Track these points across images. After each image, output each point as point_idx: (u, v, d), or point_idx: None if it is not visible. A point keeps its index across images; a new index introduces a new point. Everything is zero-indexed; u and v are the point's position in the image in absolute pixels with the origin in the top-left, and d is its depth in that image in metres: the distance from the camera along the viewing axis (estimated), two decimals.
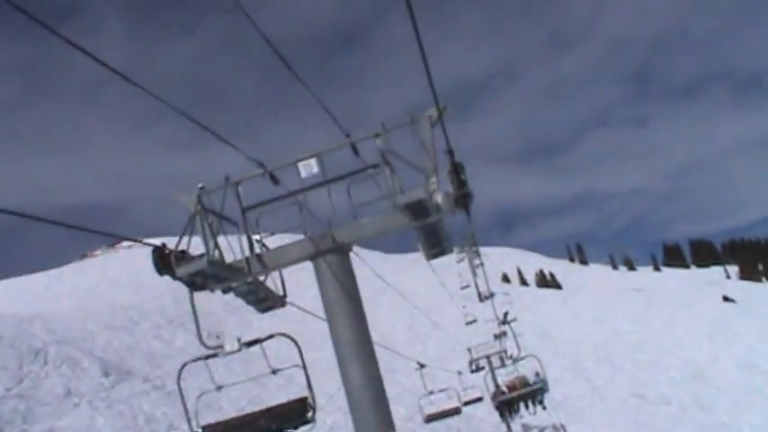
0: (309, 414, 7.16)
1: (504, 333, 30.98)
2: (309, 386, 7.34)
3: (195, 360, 7.34)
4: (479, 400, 26.18)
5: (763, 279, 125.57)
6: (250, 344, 7.35)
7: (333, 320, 6.97)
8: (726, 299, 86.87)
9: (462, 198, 6.28)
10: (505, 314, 29.52)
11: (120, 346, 41.81)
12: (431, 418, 22.58)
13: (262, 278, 7.24)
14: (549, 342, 56.79)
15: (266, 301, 7.96)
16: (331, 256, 6.61)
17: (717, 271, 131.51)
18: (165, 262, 6.05)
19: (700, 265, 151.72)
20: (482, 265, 29.58)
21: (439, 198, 6.19)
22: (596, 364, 49.96)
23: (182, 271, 6.03)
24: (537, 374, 24.09)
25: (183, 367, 7.27)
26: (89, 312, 47.06)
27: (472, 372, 30.44)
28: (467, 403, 25.18)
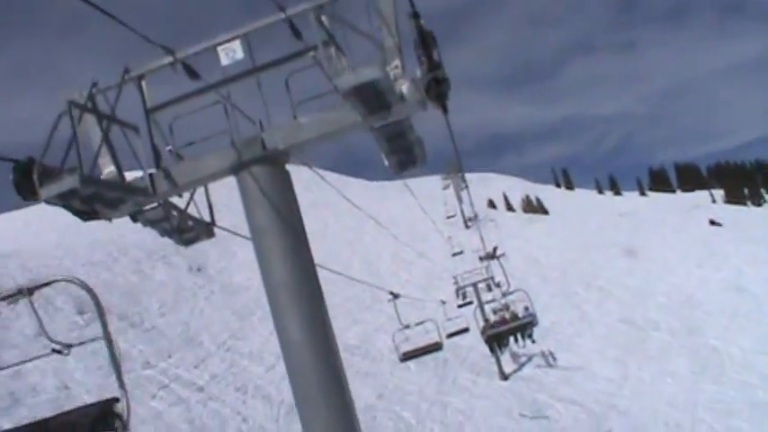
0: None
1: (493, 256, 30.21)
2: (121, 384, 4.89)
3: None
4: (466, 331, 26.86)
5: (749, 203, 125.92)
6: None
7: (263, 254, 5.46)
8: (712, 222, 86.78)
9: (435, 85, 4.76)
10: (494, 249, 28.92)
11: (98, 283, 40.37)
12: (407, 357, 21.33)
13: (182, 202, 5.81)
14: (536, 268, 56.09)
15: (187, 231, 6.30)
16: (260, 167, 5.19)
17: (702, 195, 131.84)
18: (29, 183, 4.56)
19: (685, 190, 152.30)
20: (467, 187, 28.61)
21: (404, 86, 4.86)
22: (584, 290, 49.31)
23: (46, 192, 4.59)
24: (526, 308, 24.90)
25: None
26: (67, 249, 45.64)
27: (459, 306, 30.03)
28: (452, 335, 26.25)
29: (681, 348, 37.63)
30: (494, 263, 34.81)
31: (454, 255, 38.96)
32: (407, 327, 19.42)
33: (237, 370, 31.54)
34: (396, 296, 19.08)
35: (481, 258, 32.68)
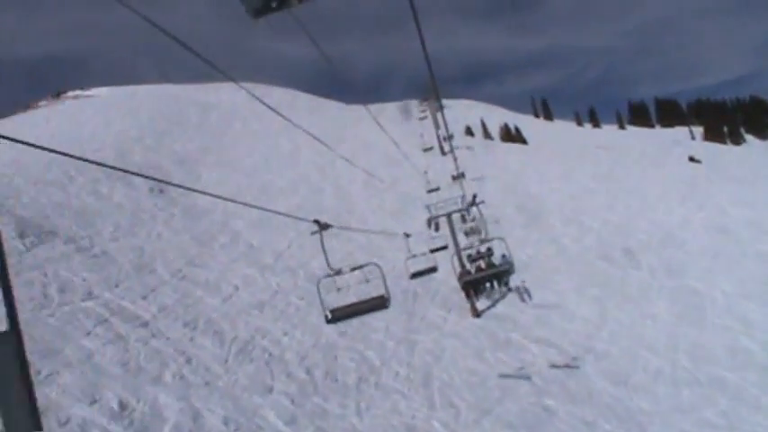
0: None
1: (472, 204, 29.19)
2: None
3: None
4: (433, 270, 26.06)
5: (728, 141, 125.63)
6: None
7: None
8: (692, 159, 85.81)
9: None
10: (474, 196, 27.56)
11: (48, 204, 37.81)
12: (336, 317, 18.73)
13: None
14: (512, 198, 54.18)
15: None
16: None
17: (682, 131, 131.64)
18: None
19: (665, 125, 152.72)
20: (442, 111, 26.84)
21: None
22: (563, 223, 47.47)
23: None
24: (503, 256, 23.98)
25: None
26: (20, 167, 42.71)
27: (432, 251, 28.99)
28: (418, 274, 25.39)
29: (661, 289, 36.03)
30: (466, 184, 33.01)
31: (429, 192, 36.70)
32: (338, 272, 13.11)
33: (190, 301, 29.14)
34: (323, 227, 12.36)
35: (454, 178, 31.20)
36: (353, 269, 13.41)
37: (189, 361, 23.54)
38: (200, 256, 35.52)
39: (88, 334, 23.79)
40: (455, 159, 26.44)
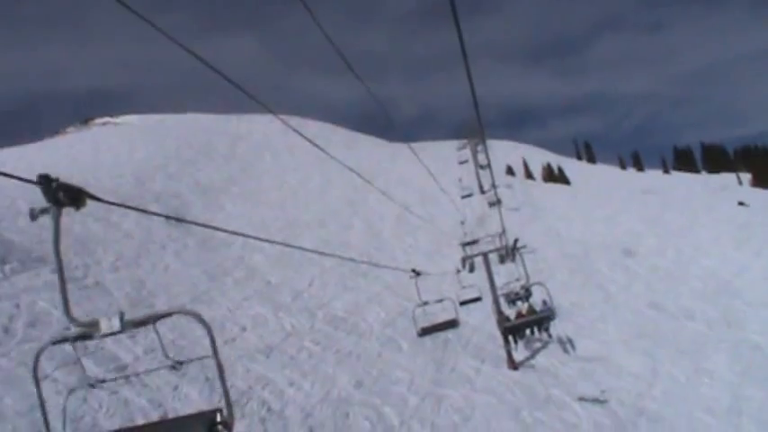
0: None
1: (514, 248, 27.45)
2: (225, 392, 5.30)
3: (55, 342, 5.09)
4: (478, 300, 25.33)
5: None
6: (138, 324, 4.96)
7: None
8: (741, 204, 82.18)
9: None
10: (515, 241, 25.84)
11: (46, 229, 35.44)
12: (425, 332, 21.33)
13: None
14: (556, 241, 50.78)
15: None
16: None
17: (729, 177, 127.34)
18: None
19: (711, 171, 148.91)
20: (489, 167, 24.83)
21: None
22: (609, 268, 43.93)
23: None
24: (544, 302, 24.41)
25: (38, 353, 5.06)
26: (27, 190, 40.56)
27: (462, 303, 26.45)
28: (463, 303, 24.97)
29: (719, 343, 32.36)
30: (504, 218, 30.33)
31: (463, 197, 34.51)
32: (426, 303, 19.68)
33: (185, 343, 25.96)
34: (417, 273, 19.19)
35: (491, 204, 29.30)
36: (437, 301, 20.04)
37: (164, 417, 20.24)
38: (209, 292, 32.73)
39: (44, 378, 20.66)
40: (494, 187, 23.35)
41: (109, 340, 24.62)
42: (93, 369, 22.25)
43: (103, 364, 23.09)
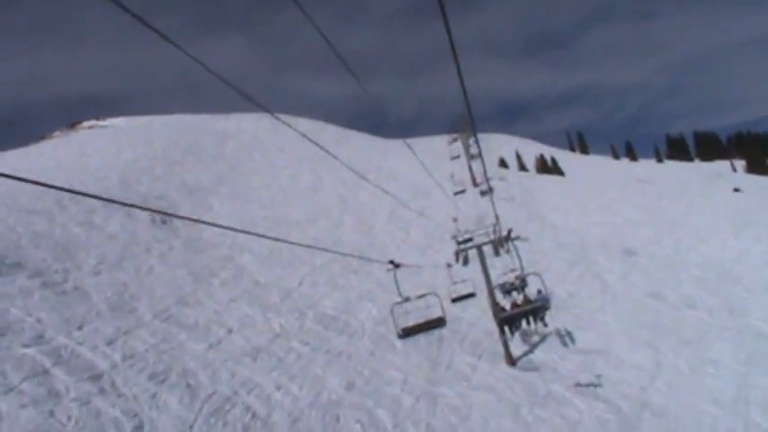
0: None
1: (507, 238, 26.79)
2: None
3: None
4: (471, 296, 24.71)
5: None
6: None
7: None
8: (737, 190, 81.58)
9: None
10: (509, 231, 25.00)
11: (24, 234, 34.30)
12: (407, 333, 19.20)
13: None
14: (550, 232, 49.75)
15: None
16: None
17: (722, 165, 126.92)
18: None
19: (704, 159, 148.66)
20: (480, 154, 23.53)
21: None
22: (607, 258, 42.91)
23: None
24: (539, 291, 23.98)
25: None
26: (9, 195, 39.52)
27: (454, 300, 25.63)
28: (455, 300, 25.05)
29: (722, 331, 31.35)
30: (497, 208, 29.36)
31: (456, 194, 33.50)
32: (407, 299, 17.03)
33: (168, 347, 24.82)
34: (396, 266, 15.87)
35: (482, 193, 28.39)
36: (419, 297, 16.91)
37: (138, 429, 18.88)
38: (195, 294, 31.59)
39: (9, 391, 19.43)
40: (485, 174, 22.32)
41: (85, 346, 23.55)
42: (63, 379, 21.10)
43: (76, 373, 21.84)
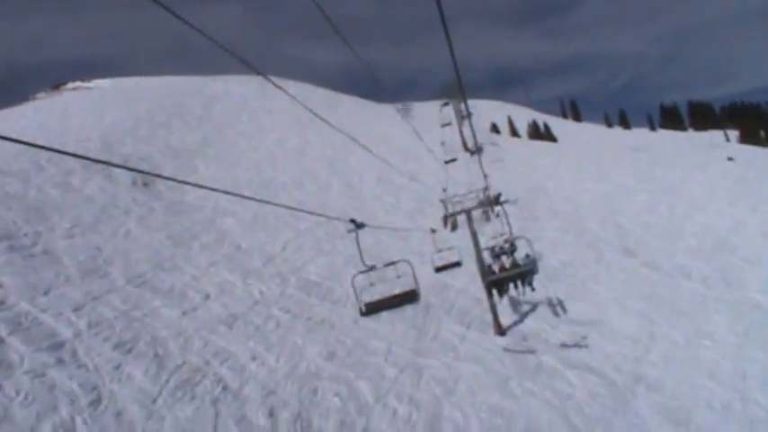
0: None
1: (496, 202, 25.98)
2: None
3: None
4: (457, 265, 24.34)
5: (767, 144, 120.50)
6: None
7: None
8: (730, 159, 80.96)
9: None
10: (498, 195, 24.07)
11: None
12: (370, 309, 16.36)
13: None
14: (543, 198, 48.65)
15: None
16: None
17: (716, 134, 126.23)
18: None
19: (698, 129, 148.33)
20: (470, 115, 22.57)
21: None
22: (600, 226, 41.83)
23: None
24: (527, 255, 23.40)
25: None
26: None
27: (437, 270, 24.79)
28: (440, 269, 24.52)
29: (718, 303, 30.36)
30: (489, 173, 28.32)
31: (447, 162, 32.39)
32: (372, 268, 13.41)
33: (139, 314, 23.45)
34: (359, 226, 12.24)
35: (471, 153, 27.36)
36: (386, 265, 13.55)
37: (95, 402, 17.49)
38: (173, 259, 30.28)
39: None
40: (473, 134, 21.15)
41: (49, 313, 22.27)
42: (18, 348, 19.76)
43: (34, 342, 20.46)
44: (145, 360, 20.26)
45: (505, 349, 23.86)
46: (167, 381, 19.14)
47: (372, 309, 15.24)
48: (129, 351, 20.58)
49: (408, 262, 14.18)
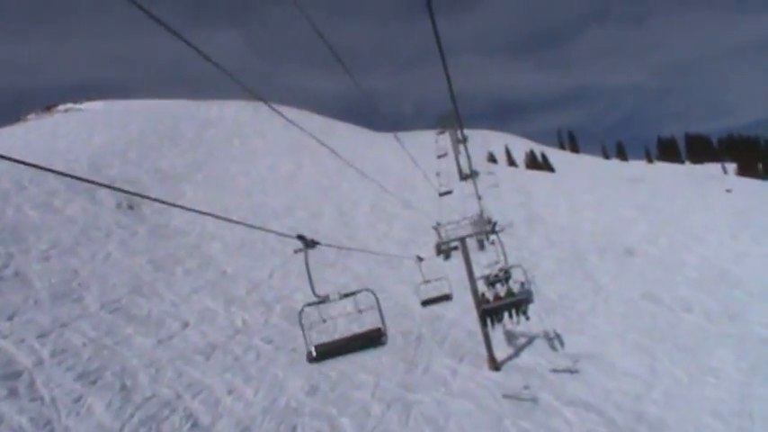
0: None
1: (492, 231, 25.29)
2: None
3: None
4: (446, 299, 22.70)
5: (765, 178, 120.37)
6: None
7: None
8: (729, 191, 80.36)
9: None
10: (494, 224, 23.29)
11: None
12: (321, 355, 14.41)
13: None
14: (540, 229, 47.57)
15: None
16: None
17: (714, 167, 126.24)
18: None
19: (695, 161, 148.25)
20: (466, 140, 21.87)
21: None
22: (599, 257, 40.74)
23: None
24: (522, 284, 22.75)
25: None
26: None
27: (445, 259, 23.72)
28: (429, 302, 22.69)
29: (721, 337, 29.20)
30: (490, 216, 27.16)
31: (442, 194, 31.32)
32: (325, 299, 9.94)
33: (109, 342, 22.14)
34: (309, 244, 9.39)
35: (465, 177, 26.62)
36: (344, 296, 10.30)
37: None
38: (153, 284, 29.00)
39: None
40: (468, 158, 20.12)
41: (10, 339, 20.93)
42: None
43: None
44: (109, 392, 18.82)
45: (505, 396, 22.55)
46: (132, 415, 17.69)
47: (324, 353, 11.28)
48: (94, 382, 19.19)
49: (373, 292, 10.45)
